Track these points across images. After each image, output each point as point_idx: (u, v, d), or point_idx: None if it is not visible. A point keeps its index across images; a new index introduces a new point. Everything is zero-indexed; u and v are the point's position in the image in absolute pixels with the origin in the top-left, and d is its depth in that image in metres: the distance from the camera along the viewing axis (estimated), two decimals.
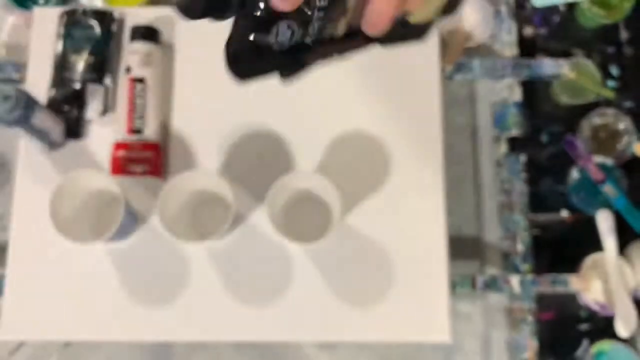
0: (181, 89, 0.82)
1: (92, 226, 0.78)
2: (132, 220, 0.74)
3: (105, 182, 0.69)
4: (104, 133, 0.80)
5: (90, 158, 0.80)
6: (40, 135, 0.74)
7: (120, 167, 0.76)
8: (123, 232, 0.72)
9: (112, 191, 0.71)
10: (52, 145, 0.78)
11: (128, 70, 0.77)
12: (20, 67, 0.87)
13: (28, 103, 0.69)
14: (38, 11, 0.85)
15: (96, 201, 0.77)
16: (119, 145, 0.76)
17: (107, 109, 0.80)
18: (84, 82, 0.80)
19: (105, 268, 0.76)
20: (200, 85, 0.82)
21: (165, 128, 0.80)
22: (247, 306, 0.75)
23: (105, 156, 0.79)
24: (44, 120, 0.73)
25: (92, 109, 0.80)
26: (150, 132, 0.77)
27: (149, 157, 0.76)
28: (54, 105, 0.79)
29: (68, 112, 0.79)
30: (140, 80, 0.77)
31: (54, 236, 0.67)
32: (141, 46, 0.78)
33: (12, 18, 1.04)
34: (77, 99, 0.79)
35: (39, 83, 0.81)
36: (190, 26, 0.83)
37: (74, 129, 0.79)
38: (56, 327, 0.75)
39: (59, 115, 0.78)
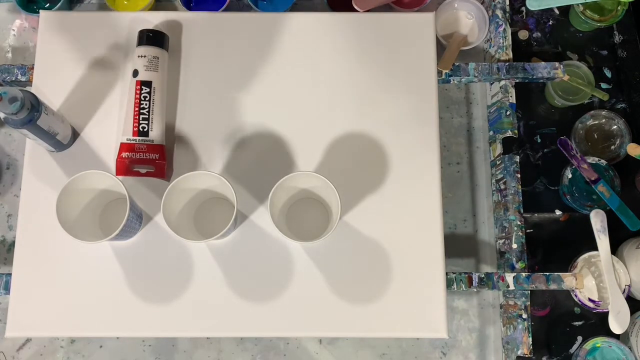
0: (186, 92, 0.83)
1: (98, 225, 0.79)
2: (137, 219, 0.75)
3: (111, 182, 0.70)
4: (109, 134, 0.82)
5: (95, 159, 0.81)
6: (47, 137, 0.75)
7: (125, 167, 0.77)
8: (128, 231, 0.73)
9: (117, 191, 0.73)
10: (59, 147, 0.79)
11: (135, 73, 0.78)
12: (27, 69, 0.89)
13: (34, 105, 0.70)
14: (44, 14, 0.86)
15: (102, 201, 0.78)
16: (124, 147, 0.77)
17: None
18: None
19: (110, 266, 0.77)
20: (204, 89, 0.83)
21: (170, 130, 0.82)
22: (249, 303, 0.77)
23: (111, 157, 0.81)
24: (50, 122, 0.74)
25: None
26: (156, 134, 0.78)
27: (153, 159, 0.77)
28: None
29: None
30: (147, 84, 0.78)
31: (60, 235, 0.67)
32: (148, 50, 0.79)
33: (19, 21, 1.06)
34: None
35: (45, 85, 0.82)
36: (196, 31, 0.86)
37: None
38: (62, 324, 0.76)
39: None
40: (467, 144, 1.03)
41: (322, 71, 0.84)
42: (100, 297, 0.77)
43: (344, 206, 0.78)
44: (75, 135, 0.81)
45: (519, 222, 0.89)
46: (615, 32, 1.01)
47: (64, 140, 0.78)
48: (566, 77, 0.93)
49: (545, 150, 0.97)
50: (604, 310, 0.85)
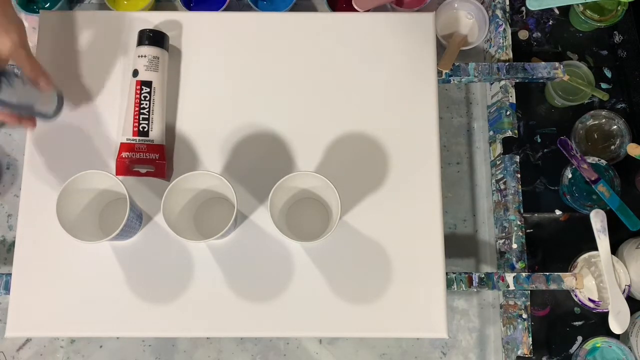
0: (186, 92, 0.83)
1: (98, 225, 0.79)
2: (137, 219, 0.75)
3: (111, 182, 0.70)
4: (109, 134, 0.82)
5: (95, 159, 0.81)
6: (25, 110, 0.71)
7: (125, 167, 0.77)
8: (128, 231, 0.73)
9: (117, 191, 0.73)
10: (44, 117, 0.75)
11: (135, 73, 0.78)
12: None
13: None
14: (44, 14, 0.86)
15: (102, 201, 0.78)
16: (124, 147, 0.77)
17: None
18: None
19: (110, 266, 0.77)
20: (204, 88, 0.83)
21: (170, 130, 0.82)
22: (249, 303, 0.77)
23: (111, 157, 0.80)
24: (19, 95, 0.69)
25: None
26: (156, 134, 0.78)
27: (153, 159, 0.77)
28: None
29: None
30: (147, 84, 0.78)
31: (60, 235, 0.67)
32: (148, 50, 0.79)
33: None
34: None
35: None
36: (196, 31, 0.86)
37: None
38: (62, 324, 0.76)
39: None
40: (467, 144, 1.03)
41: (322, 71, 0.84)
42: (100, 297, 0.77)
43: (344, 206, 0.78)
44: (60, 103, 0.77)
45: (519, 222, 0.89)
46: (615, 32, 1.01)
47: (46, 110, 0.74)
48: (566, 77, 0.93)
49: (545, 150, 0.97)
50: (604, 310, 0.84)
